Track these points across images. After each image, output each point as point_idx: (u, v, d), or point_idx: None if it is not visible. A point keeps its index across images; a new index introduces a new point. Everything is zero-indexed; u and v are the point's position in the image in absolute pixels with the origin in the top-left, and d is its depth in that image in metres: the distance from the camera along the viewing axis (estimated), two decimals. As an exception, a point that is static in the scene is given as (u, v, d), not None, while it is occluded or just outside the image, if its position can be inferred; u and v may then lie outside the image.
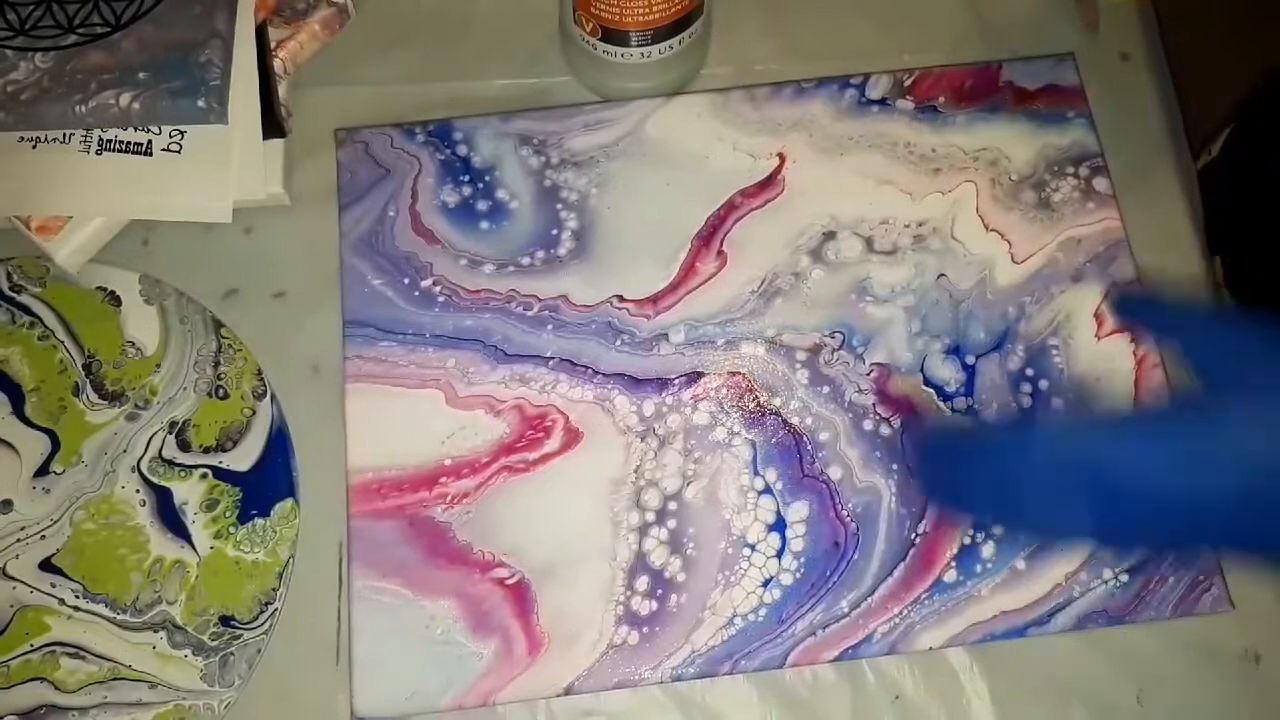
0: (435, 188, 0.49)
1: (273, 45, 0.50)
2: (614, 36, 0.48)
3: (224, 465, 0.46)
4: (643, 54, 0.49)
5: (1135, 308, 0.39)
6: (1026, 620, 0.44)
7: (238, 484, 0.46)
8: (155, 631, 0.44)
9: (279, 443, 0.47)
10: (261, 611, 0.45)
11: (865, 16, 0.54)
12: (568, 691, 0.43)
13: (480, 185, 0.50)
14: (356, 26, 0.53)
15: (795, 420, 0.46)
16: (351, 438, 0.46)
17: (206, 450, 0.47)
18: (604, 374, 0.47)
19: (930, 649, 0.44)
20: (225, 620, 0.44)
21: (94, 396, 0.47)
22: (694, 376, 0.47)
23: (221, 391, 0.47)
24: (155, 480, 0.46)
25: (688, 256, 0.49)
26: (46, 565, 0.45)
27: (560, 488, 0.45)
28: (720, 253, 0.49)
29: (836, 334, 0.47)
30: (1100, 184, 0.50)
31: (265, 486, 0.46)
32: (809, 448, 0.46)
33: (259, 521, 0.46)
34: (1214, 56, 0.54)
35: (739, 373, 0.47)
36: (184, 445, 0.47)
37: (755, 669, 0.43)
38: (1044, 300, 0.48)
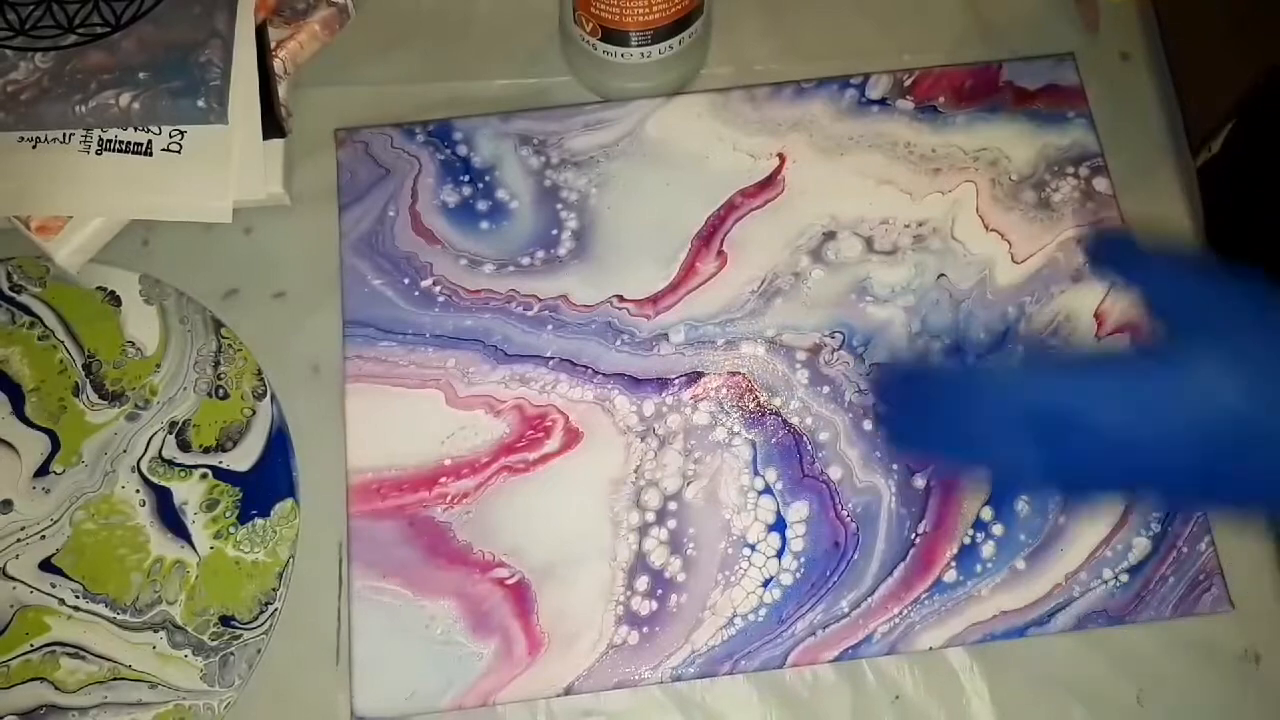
0: (435, 188, 0.49)
1: (273, 45, 0.50)
2: (614, 36, 0.48)
3: (224, 465, 0.46)
4: (643, 54, 0.49)
5: (1109, 251, 0.37)
6: (1026, 620, 0.44)
7: (238, 484, 0.46)
8: (155, 631, 0.44)
9: (279, 443, 0.47)
10: (261, 611, 0.45)
11: (865, 16, 0.54)
12: (568, 691, 0.43)
13: (480, 185, 0.50)
14: (356, 26, 0.53)
15: (795, 420, 0.46)
16: (351, 438, 0.46)
17: (206, 450, 0.47)
18: (604, 374, 0.47)
19: (930, 649, 0.44)
20: (225, 620, 0.44)
21: (94, 396, 0.47)
22: (694, 376, 0.47)
23: (221, 391, 0.47)
24: (155, 480, 0.46)
25: (688, 256, 0.49)
26: (46, 565, 0.45)
27: (560, 488, 0.45)
28: (720, 253, 0.49)
29: (836, 334, 0.47)
30: (1100, 184, 0.50)
31: (265, 486, 0.46)
32: (809, 448, 0.46)
33: (259, 521, 0.46)
34: (1214, 56, 0.54)
35: (739, 373, 0.47)
36: (184, 445, 0.47)
37: (755, 669, 0.43)
38: (1044, 300, 0.48)
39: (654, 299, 0.48)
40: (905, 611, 0.44)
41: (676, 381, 0.47)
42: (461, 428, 0.46)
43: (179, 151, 0.49)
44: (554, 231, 0.49)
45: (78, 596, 0.44)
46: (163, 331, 0.48)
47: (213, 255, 0.50)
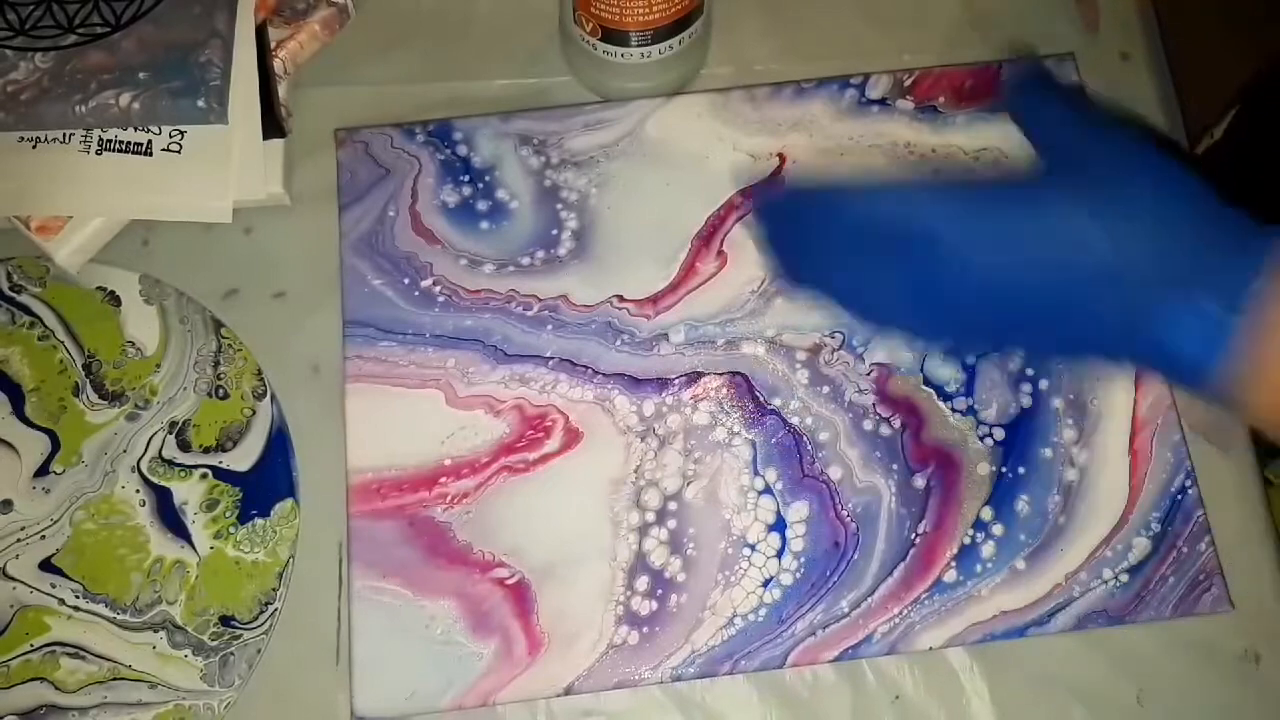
0: (435, 188, 0.49)
1: (273, 45, 0.50)
2: (614, 36, 0.48)
3: (224, 465, 0.46)
4: (643, 54, 0.49)
5: (1023, 91, 0.36)
6: (1026, 620, 0.44)
7: (238, 484, 0.46)
8: (155, 631, 0.44)
9: (279, 443, 0.47)
10: (261, 611, 0.45)
11: (865, 16, 0.54)
12: (568, 691, 0.43)
13: (480, 185, 0.50)
14: (356, 26, 0.53)
15: (795, 420, 0.46)
16: (351, 438, 0.46)
17: (206, 450, 0.47)
18: (604, 374, 0.47)
19: (930, 649, 0.44)
20: (225, 620, 0.44)
21: (94, 396, 0.47)
22: (694, 376, 0.47)
23: (221, 391, 0.47)
24: (155, 480, 0.46)
25: (688, 256, 0.49)
26: (46, 565, 0.45)
27: (560, 488, 0.45)
28: (720, 253, 0.49)
29: (836, 334, 0.47)
30: (1100, 184, 0.50)
31: (265, 486, 0.46)
32: (809, 448, 0.46)
33: (259, 521, 0.46)
34: (1214, 56, 0.54)
35: (739, 373, 0.47)
36: (184, 445, 0.47)
37: (755, 669, 0.43)
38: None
39: (654, 299, 0.48)
40: (905, 611, 0.44)
41: (676, 381, 0.47)
42: (461, 428, 0.46)
43: (179, 151, 0.49)
44: (554, 231, 0.49)
45: (78, 596, 0.44)
46: (163, 331, 0.48)
47: (213, 255, 0.50)
